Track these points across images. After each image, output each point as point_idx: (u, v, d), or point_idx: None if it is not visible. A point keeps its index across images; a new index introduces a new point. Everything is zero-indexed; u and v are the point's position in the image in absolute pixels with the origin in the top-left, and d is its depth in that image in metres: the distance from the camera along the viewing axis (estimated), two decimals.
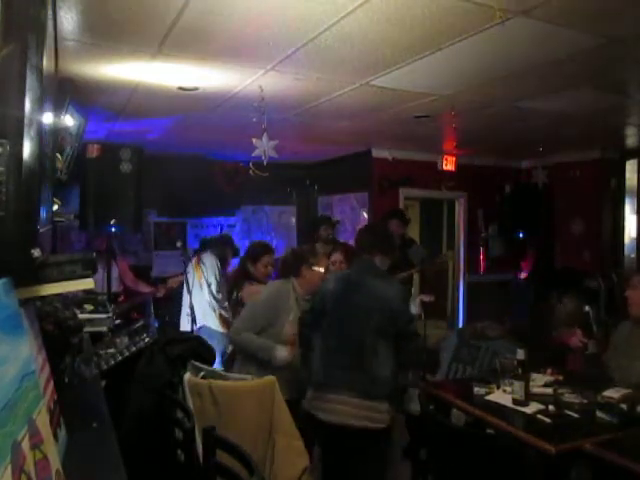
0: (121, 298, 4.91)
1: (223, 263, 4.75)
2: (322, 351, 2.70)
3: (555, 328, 3.66)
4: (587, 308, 3.04)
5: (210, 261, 4.64)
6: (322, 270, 3.12)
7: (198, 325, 4.25)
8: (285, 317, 2.99)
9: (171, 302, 5.01)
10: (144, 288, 5.10)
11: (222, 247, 4.83)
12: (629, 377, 2.69)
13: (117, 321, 3.10)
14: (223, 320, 4.60)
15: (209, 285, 4.55)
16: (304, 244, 3.38)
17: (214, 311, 4.58)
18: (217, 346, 4.35)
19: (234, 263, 5.03)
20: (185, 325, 4.47)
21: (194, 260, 4.78)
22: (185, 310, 4.48)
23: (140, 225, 4.36)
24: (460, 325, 6.54)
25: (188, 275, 4.54)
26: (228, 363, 3.69)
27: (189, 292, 4.39)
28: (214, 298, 4.54)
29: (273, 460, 2.31)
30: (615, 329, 3.03)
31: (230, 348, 3.85)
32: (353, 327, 2.63)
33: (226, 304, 4.52)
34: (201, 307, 4.52)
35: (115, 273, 4.92)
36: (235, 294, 4.01)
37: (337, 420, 2.57)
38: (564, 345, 3.27)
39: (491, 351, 3.87)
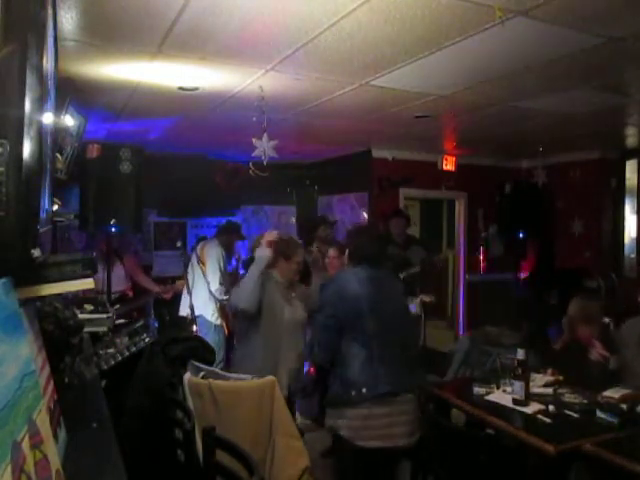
0: (130, 296, 4.97)
1: (228, 251, 4.79)
2: (373, 358, 2.48)
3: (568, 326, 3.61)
4: (607, 320, 2.95)
5: (215, 251, 4.68)
6: (296, 263, 3.13)
7: (196, 314, 4.30)
8: (277, 304, 3.02)
9: (171, 302, 5.03)
10: (149, 283, 5.16)
11: (228, 235, 4.87)
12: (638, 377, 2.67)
13: (121, 320, 3.12)
14: (223, 311, 4.62)
15: (212, 277, 4.59)
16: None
17: (214, 302, 4.61)
18: (212, 337, 4.40)
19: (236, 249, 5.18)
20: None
21: (199, 247, 4.82)
22: (185, 310, 4.50)
23: (140, 225, 4.37)
24: (460, 325, 6.55)
25: (188, 275, 4.55)
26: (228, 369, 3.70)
27: (189, 293, 4.41)
28: (216, 290, 4.57)
29: (273, 460, 2.31)
30: (621, 327, 2.99)
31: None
32: (398, 329, 2.62)
33: (228, 296, 4.55)
34: (202, 296, 4.55)
35: (121, 272, 4.96)
36: None
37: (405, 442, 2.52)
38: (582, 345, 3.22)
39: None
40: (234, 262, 5.22)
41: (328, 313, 2.58)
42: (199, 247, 4.86)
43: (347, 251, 2.84)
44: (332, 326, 2.54)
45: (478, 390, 2.78)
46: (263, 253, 3.01)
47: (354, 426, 2.46)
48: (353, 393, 2.45)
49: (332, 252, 3.84)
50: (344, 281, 2.66)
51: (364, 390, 2.44)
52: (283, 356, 3.00)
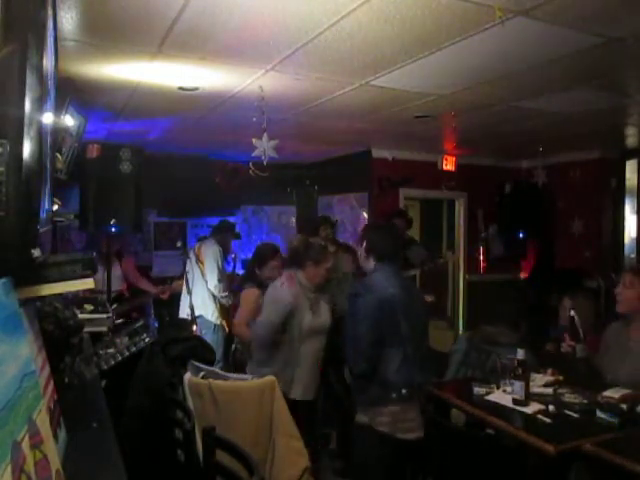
0: (126, 296, 5.00)
1: (225, 249, 4.81)
2: (408, 358, 2.60)
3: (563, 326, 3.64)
4: (572, 313, 3.04)
5: (212, 249, 4.70)
6: (325, 270, 3.12)
7: (196, 314, 4.30)
8: (300, 310, 3.03)
9: (171, 302, 5.04)
10: (146, 285, 5.19)
11: (223, 234, 4.90)
12: (619, 377, 2.70)
13: (119, 320, 3.12)
14: (222, 310, 4.62)
15: (210, 275, 4.59)
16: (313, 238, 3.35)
17: (214, 301, 4.61)
18: (212, 336, 4.40)
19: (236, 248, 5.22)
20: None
21: (196, 247, 4.84)
22: (185, 310, 4.50)
23: (140, 225, 4.37)
24: (460, 325, 6.55)
25: (188, 274, 4.56)
26: (227, 368, 3.69)
27: (189, 292, 4.41)
28: (215, 287, 4.57)
29: (273, 460, 2.31)
30: (606, 330, 3.04)
31: (233, 346, 3.86)
32: (421, 327, 2.75)
33: (226, 293, 4.55)
34: (201, 295, 4.55)
35: (118, 272, 4.98)
36: (238, 295, 4.01)
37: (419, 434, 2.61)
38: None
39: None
40: (230, 261, 5.23)
41: (371, 325, 2.56)
42: (196, 247, 4.88)
43: (364, 246, 2.78)
44: (376, 339, 2.56)
45: (478, 390, 2.78)
46: (285, 297, 2.95)
47: (393, 421, 2.58)
48: (394, 395, 2.57)
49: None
50: (380, 287, 2.63)
51: (404, 390, 2.58)
52: (302, 362, 3.01)
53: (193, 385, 2.42)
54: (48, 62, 1.37)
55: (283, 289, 3.09)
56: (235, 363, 3.65)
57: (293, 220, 7.41)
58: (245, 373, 3.10)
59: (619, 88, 3.44)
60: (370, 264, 2.76)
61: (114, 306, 4.07)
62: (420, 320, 2.73)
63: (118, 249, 5.10)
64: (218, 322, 4.63)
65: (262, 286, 3.71)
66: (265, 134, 3.58)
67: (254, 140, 3.59)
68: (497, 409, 2.57)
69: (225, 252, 4.86)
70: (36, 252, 1.14)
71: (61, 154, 3.03)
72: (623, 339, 2.87)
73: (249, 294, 3.69)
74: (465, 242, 6.64)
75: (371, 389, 2.61)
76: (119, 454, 1.31)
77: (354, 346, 2.64)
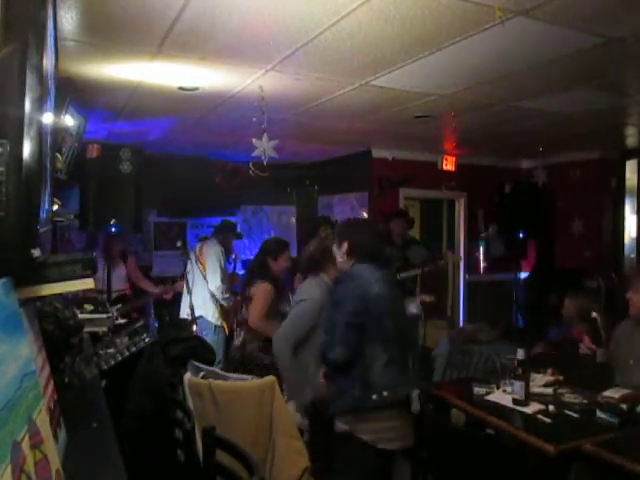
0: (129, 296, 5.01)
1: (226, 250, 4.81)
2: (393, 360, 2.42)
3: (565, 326, 3.64)
4: (595, 314, 3.00)
5: (214, 250, 4.69)
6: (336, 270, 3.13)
7: (197, 315, 4.30)
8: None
9: (171, 302, 5.04)
10: (147, 285, 5.19)
11: (225, 234, 4.90)
12: (632, 379, 2.69)
13: (123, 320, 3.12)
14: (223, 311, 4.61)
15: (212, 277, 4.58)
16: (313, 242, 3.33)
17: (215, 302, 4.60)
18: (212, 337, 4.40)
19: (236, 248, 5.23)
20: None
21: (197, 247, 4.83)
22: (185, 310, 4.50)
23: (140, 225, 4.38)
24: (461, 325, 6.54)
25: (188, 274, 4.56)
26: (227, 368, 3.68)
27: (189, 292, 4.41)
28: (217, 288, 4.55)
29: (273, 460, 2.31)
30: (616, 328, 3.04)
31: (237, 342, 3.84)
32: (409, 330, 2.71)
33: (228, 295, 4.54)
34: (201, 296, 4.54)
35: (123, 272, 4.99)
36: (247, 290, 3.96)
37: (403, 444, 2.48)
38: (575, 342, 3.26)
39: (485, 355, 3.84)
40: (231, 262, 5.22)
41: (350, 311, 2.40)
42: (197, 247, 4.87)
43: (346, 245, 2.62)
44: (356, 325, 2.39)
45: (478, 390, 2.78)
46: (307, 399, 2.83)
47: (376, 429, 2.40)
48: (374, 397, 2.38)
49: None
50: (364, 280, 2.47)
51: (385, 393, 2.39)
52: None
53: (193, 385, 2.42)
54: (48, 62, 1.37)
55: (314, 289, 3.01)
56: (244, 359, 3.61)
57: (293, 220, 7.41)
58: (243, 373, 3.08)
59: (619, 88, 3.44)
60: (349, 265, 2.62)
61: (119, 306, 4.08)
62: (405, 322, 2.65)
63: (122, 250, 5.10)
64: (219, 323, 4.63)
65: (275, 280, 3.67)
66: (265, 134, 3.58)
67: (254, 140, 3.59)
68: (497, 409, 2.57)
69: (227, 252, 4.86)
70: (36, 252, 1.14)
71: (61, 154, 3.03)
72: (636, 340, 2.86)
73: (261, 289, 3.64)
74: (465, 242, 6.64)
75: (352, 391, 2.43)
76: (119, 454, 1.31)
77: (331, 331, 2.45)
